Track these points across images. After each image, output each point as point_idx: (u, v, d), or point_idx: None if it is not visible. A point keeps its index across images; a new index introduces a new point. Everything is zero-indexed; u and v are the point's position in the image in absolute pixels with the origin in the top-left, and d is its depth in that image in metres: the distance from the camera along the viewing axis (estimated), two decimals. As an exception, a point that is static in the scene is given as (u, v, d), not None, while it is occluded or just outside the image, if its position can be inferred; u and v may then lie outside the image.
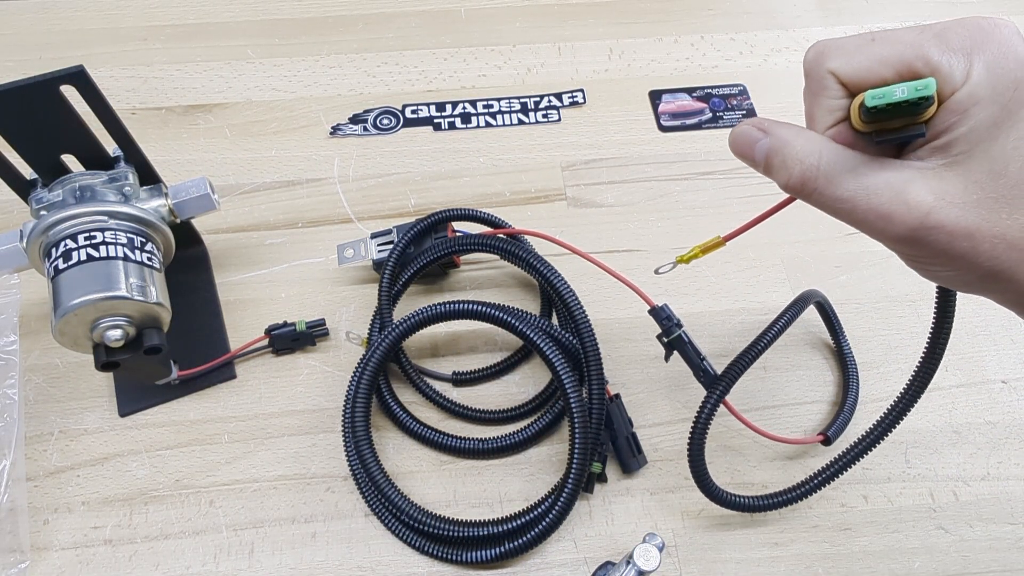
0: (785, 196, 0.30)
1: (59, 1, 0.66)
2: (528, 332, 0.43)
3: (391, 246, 0.49)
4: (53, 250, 0.39)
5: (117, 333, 0.39)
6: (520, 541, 0.41)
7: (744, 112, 0.62)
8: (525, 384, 0.49)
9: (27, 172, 0.42)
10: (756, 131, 0.28)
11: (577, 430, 0.41)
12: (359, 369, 0.46)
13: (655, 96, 0.62)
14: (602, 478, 0.44)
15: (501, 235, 0.49)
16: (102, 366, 0.40)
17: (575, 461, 0.42)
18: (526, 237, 0.51)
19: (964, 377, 0.49)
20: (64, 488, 0.44)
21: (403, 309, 0.48)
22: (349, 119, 0.60)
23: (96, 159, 0.42)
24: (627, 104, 0.62)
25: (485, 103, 0.61)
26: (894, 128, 0.26)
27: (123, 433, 0.46)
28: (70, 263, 0.39)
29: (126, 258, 0.40)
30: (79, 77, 0.38)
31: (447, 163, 0.58)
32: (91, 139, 0.41)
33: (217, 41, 0.64)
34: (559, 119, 0.61)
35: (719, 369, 0.40)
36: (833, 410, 0.48)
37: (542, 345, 0.42)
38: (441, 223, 0.50)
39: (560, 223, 0.55)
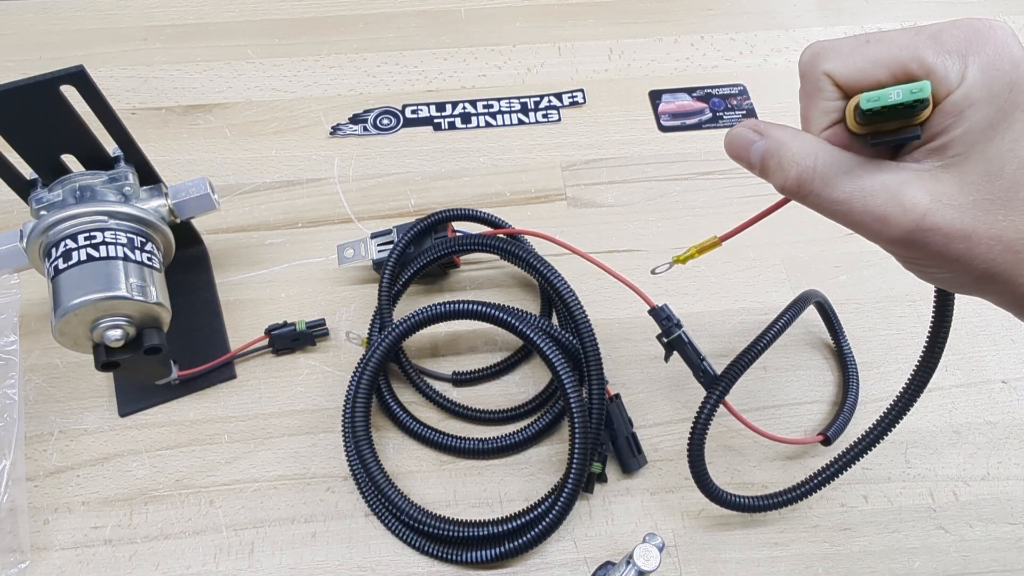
0: (781, 197, 0.30)
1: (59, 1, 0.66)
2: (528, 332, 0.43)
3: (391, 246, 0.49)
4: (53, 250, 0.40)
5: (117, 333, 0.39)
6: (520, 541, 0.41)
7: (744, 112, 0.62)
8: (525, 384, 0.49)
9: (27, 172, 0.42)
10: (752, 133, 0.28)
11: (577, 430, 0.41)
12: (359, 369, 0.46)
13: (655, 96, 0.62)
14: (602, 478, 0.44)
15: (501, 235, 0.49)
16: (102, 366, 0.40)
17: (575, 461, 0.42)
18: (526, 237, 0.51)
19: (964, 377, 0.49)
20: (64, 488, 0.44)
21: (403, 309, 0.48)
22: (349, 119, 0.60)
23: (96, 159, 0.42)
24: (627, 104, 0.62)
25: (485, 103, 0.61)
26: (889, 130, 0.26)
27: (123, 433, 0.46)
28: (70, 263, 0.39)
29: (126, 258, 0.40)
30: (79, 77, 0.38)
31: (447, 163, 0.58)
32: (91, 139, 0.41)
33: (217, 41, 0.64)
34: (559, 119, 0.61)
35: (719, 369, 0.40)
36: (833, 410, 0.48)
37: (542, 345, 0.42)
38: (441, 223, 0.50)
39: (560, 223, 0.55)
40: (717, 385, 0.39)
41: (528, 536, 0.41)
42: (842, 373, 0.49)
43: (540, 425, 0.45)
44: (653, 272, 0.38)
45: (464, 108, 0.61)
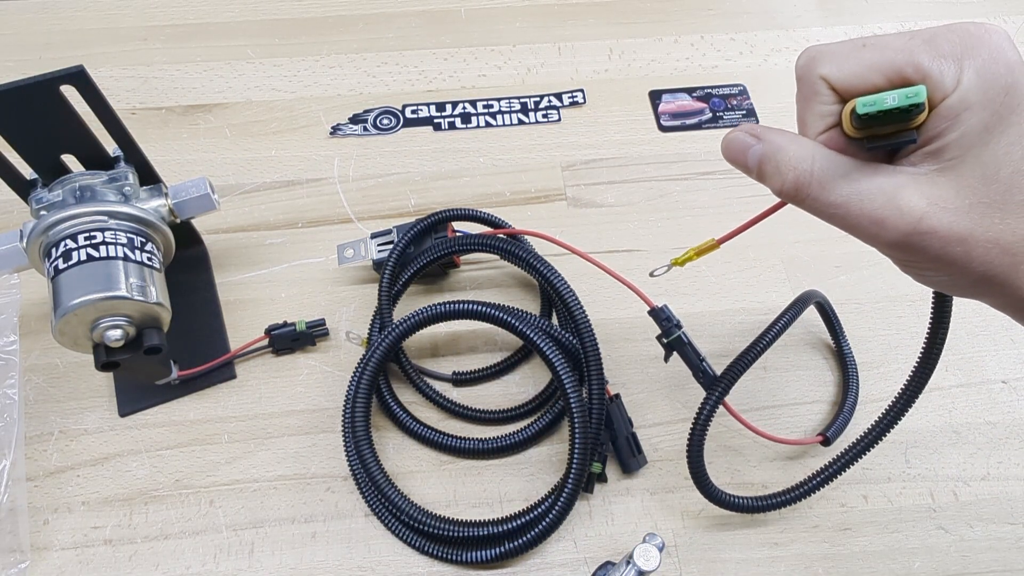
0: (778, 199, 0.30)
1: (59, 1, 0.66)
2: (528, 332, 0.43)
3: (391, 246, 0.49)
4: (53, 250, 0.40)
5: (117, 333, 0.39)
6: (520, 541, 0.41)
7: (744, 112, 0.62)
8: (525, 384, 0.49)
9: (27, 172, 0.42)
10: (749, 137, 0.29)
11: (577, 430, 0.41)
12: (359, 369, 0.46)
13: (655, 96, 0.62)
14: (602, 478, 0.44)
15: (501, 235, 0.49)
16: (102, 366, 0.40)
17: (575, 461, 0.42)
18: (526, 237, 0.51)
19: (964, 377, 0.49)
20: (64, 488, 0.44)
21: (403, 309, 0.48)
22: (349, 119, 0.60)
23: (96, 159, 0.42)
24: (627, 104, 0.62)
25: (485, 103, 0.61)
26: (885, 134, 0.26)
27: (123, 433, 0.46)
28: (70, 263, 0.39)
29: (126, 258, 0.40)
30: (79, 77, 0.38)
31: (447, 163, 0.58)
32: (91, 139, 0.41)
33: (217, 41, 0.64)
34: (559, 119, 0.61)
35: (719, 370, 0.40)
36: (833, 410, 0.48)
37: (542, 345, 0.42)
38: (441, 223, 0.50)
39: (560, 223, 0.55)
40: (716, 386, 0.39)
41: (528, 536, 0.41)
42: (842, 373, 0.49)
43: (540, 425, 0.45)
44: (651, 275, 0.38)
45: (464, 108, 0.61)
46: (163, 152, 0.57)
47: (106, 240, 0.40)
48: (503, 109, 0.61)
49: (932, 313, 0.34)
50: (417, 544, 0.42)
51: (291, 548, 0.43)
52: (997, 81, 0.24)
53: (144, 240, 0.42)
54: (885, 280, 0.53)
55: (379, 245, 0.50)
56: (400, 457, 0.46)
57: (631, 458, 0.44)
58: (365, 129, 0.60)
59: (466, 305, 0.43)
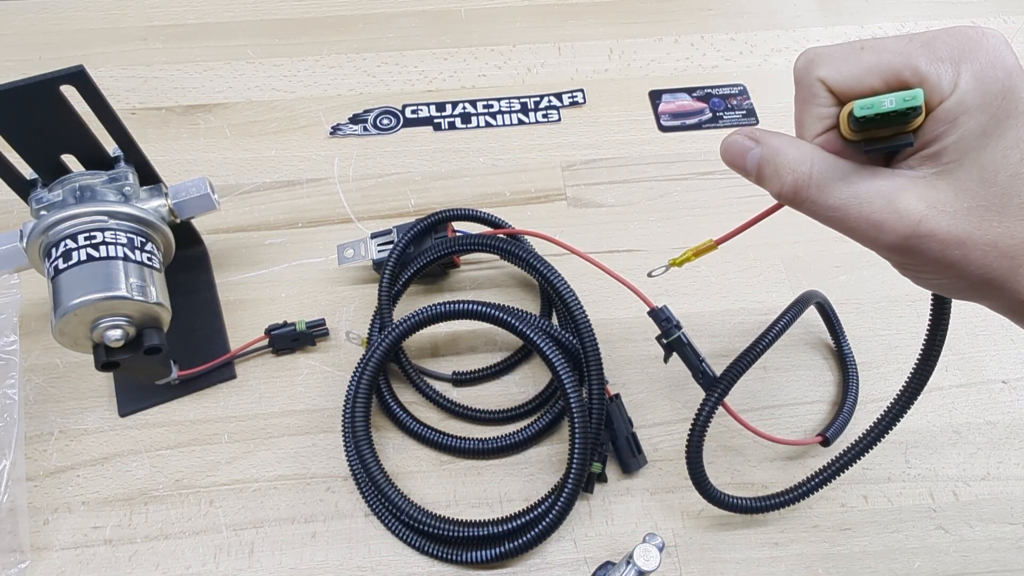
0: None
1: (59, 1, 0.66)
2: (528, 332, 0.43)
3: (391, 246, 0.49)
4: (53, 250, 0.40)
5: (117, 333, 0.39)
6: (520, 541, 0.41)
7: (744, 112, 0.62)
8: (525, 384, 0.49)
9: (27, 172, 0.42)
10: (747, 140, 0.29)
11: (577, 430, 0.41)
12: (359, 369, 0.46)
13: (655, 96, 0.62)
14: (602, 478, 0.44)
15: (501, 235, 0.49)
16: (102, 366, 0.40)
17: (575, 461, 0.42)
18: (526, 237, 0.51)
19: (964, 377, 0.49)
20: (64, 488, 0.44)
21: (403, 309, 0.48)
22: (349, 119, 0.60)
23: (96, 159, 0.42)
24: (627, 104, 0.62)
25: (485, 103, 0.61)
26: (882, 137, 0.26)
27: (123, 433, 0.46)
28: (70, 263, 0.39)
29: (126, 258, 0.40)
30: (79, 77, 0.38)
31: (447, 163, 0.58)
32: (91, 139, 0.41)
33: (217, 41, 0.64)
34: (559, 119, 0.61)
35: (718, 370, 0.40)
36: (833, 410, 0.48)
37: (542, 345, 0.42)
38: (441, 223, 0.50)
39: (560, 223, 0.55)
40: (716, 387, 0.39)
41: (528, 536, 0.41)
42: (842, 373, 0.49)
43: (540, 425, 0.45)
44: (649, 275, 0.38)
45: (464, 108, 0.61)
46: (163, 152, 0.57)
47: (106, 240, 0.40)
48: (503, 109, 0.61)
49: (931, 314, 0.34)
50: (417, 544, 0.42)
51: (291, 548, 0.43)
52: (994, 85, 0.24)
53: (144, 240, 0.42)
54: (885, 280, 0.53)
55: (379, 245, 0.50)
56: (400, 457, 0.46)
57: (631, 458, 0.44)
58: (365, 129, 0.60)
59: (466, 305, 0.43)
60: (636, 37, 0.66)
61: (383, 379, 0.46)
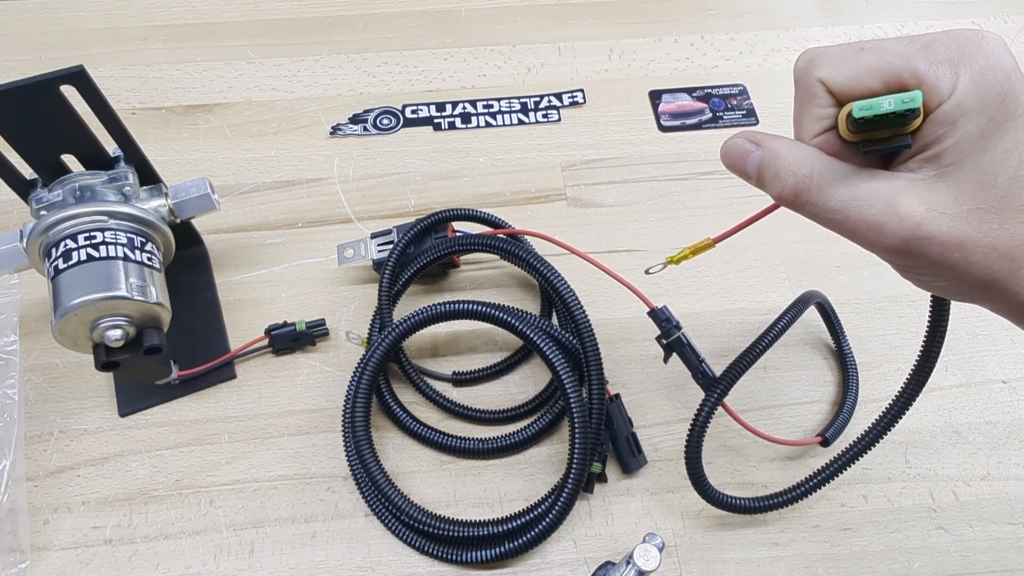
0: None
1: (59, 1, 0.66)
2: (528, 332, 0.43)
3: (391, 246, 0.49)
4: (53, 250, 0.40)
5: (117, 333, 0.39)
6: (520, 541, 0.41)
7: (744, 112, 0.62)
8: (525, 384, 0.49)
9: (27, 172, 0.42)
10: (748, 143, 0.29)
11: (577, 430, 0.41)
12: (359, 369, 0.46)
13: (655, 96, 0.62)
14: (602, 478, 0.44)
15: (501, 235, 0.49)
16: (102, 366, 0.40)
17: (575, 461, 0.42)
18: (526, 237, 0.51)
19: (964, 377, 0.49)
20: (64, 488, 0.44)
21: (403, 309, 0.48)
22: (349, 119, 0.60)
23: (96, 159, 0.42)
24: (627, 104, 0.62)
25: (485, 103, 0.61)
26: (881, 138, 0.26)
27: (123, 433, 0.46)
28: (70, 263, 0.39)
29: (126, 258, 0.40)
30: (79, 77, 0.38)
31: (447, 163, 0.58)
32: (91, 139, 0.41)
33: (217, 41, 0.64)
34: (559, 119, 0.61)
35: (718, 371, 0.40)
36: (833, 410, 0.48)
37: (542, 345, 0.42)
38: (441, 223, 0.50)
39: (560, 223, 0.55)
40: (715, 388, 0.39)
41: (528, 536, 0.41)
42: (842, 373, 0.49)
43: (540, 425, 0.45)
44: (647, 272, 0.38)
45: (464, 108, 0.61)
46: (163, 152, 0.57)
47: (106, 240, 0.40)
48: (503, 109, 0.61)
49: (930, 314, 0.34)
50: (417, 544, 0.42)
51: (291, 548, 0.43)
52: (993, 88, 0.25)
53: (144, 240, 0.42)
54: (885, 280, 0.53)
55: (379, 245, 0.50)
56: (400, 457, 0.46)
57: (631, 458, 0.44)
58: (365, 129, 0.60)
59: (466, 305, 0.43)
60: (636, 37, 0.66)
61: (383, 379, 0.46)
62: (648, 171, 0.58)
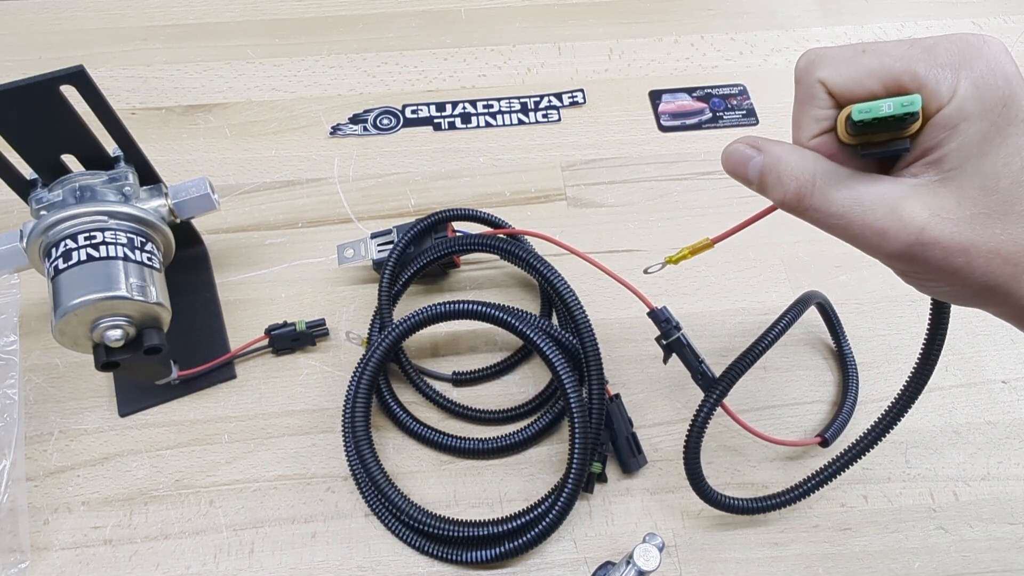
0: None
1: (59, 1, 0.66)
2: (528, 332, 0.43)
3: (391, 246, 0.49)
4: (53, 250, 0.40)
5: (117, 333, 0.39)
6: (520, 541, 0.41)
7: (744, 112, 0.62)
8: (525, 384, 0.49)
9: (27, 172, 0.42)
10: (749, 149, 0.29)
11: (577, 430, 0.41)
12: (359, 369, 0.46)
13: (655, 96, 0.62)
14: (602, 478, 0.44)
15: (501, 235, 0.49)
16: (102, 366, 0.40)
17: (575, 461, 0.42)
18: (526, 237, 0.51)
19: (964, 377, 0.49)
20: (64, 488, 0.44)
21: (403, 309, 0.48)
22: (349, 119, 0.60)
23: (96, 159, 0.42)
24: (627, 104, 0.62)
25: (485, 103, 0.61)
26: (879, 142, 0.26)
27: (123, 433, 0.46)
28: (70, 263, 0.39)
29: (126, 258, 0.40)
30: (79, 77, 0.38)
31: (447, 163, 0.58)
32: (91, 139, 0.41)
33: (217, 41, 0.64)
34: (559, 119, 0.61)
35: (718, 371, 0.40)
36: (833, 410, 0.48)
37: (542, 345, 0.42)
38: (441, 223, 0.50)
39: (560, 223, 0.55)
40: (715, 388, 0.39)
41: (528, 536, 0.41)
42: (842, 373, 0.49)
43: (540, 425, 0.45)
44: (646, 272, 0.38)
45: (464, 108, 0.61)
46: (163, 152, 0.57)
47: (106, 240, 0.40)
48: (503, 109, 0.61)
49: (931, 315, 0.34)
50: (417, 544, 0.42)
51: (291, 548, 0.43)
52: (994, 92, 0.25)
53: (144, 240, 0.42)
54: (885, 280, 0.53)
55: (379, 245, 0.50)
56: (400, 457, 0.46)
57: (631, 458, 0.44)
58: (365, 129, 0.60)
59: (466, 305, 0.43)
60: (636, 37, 0.66)
61: (383, 379, 0.46)
62: (648, 171, 0.58)
